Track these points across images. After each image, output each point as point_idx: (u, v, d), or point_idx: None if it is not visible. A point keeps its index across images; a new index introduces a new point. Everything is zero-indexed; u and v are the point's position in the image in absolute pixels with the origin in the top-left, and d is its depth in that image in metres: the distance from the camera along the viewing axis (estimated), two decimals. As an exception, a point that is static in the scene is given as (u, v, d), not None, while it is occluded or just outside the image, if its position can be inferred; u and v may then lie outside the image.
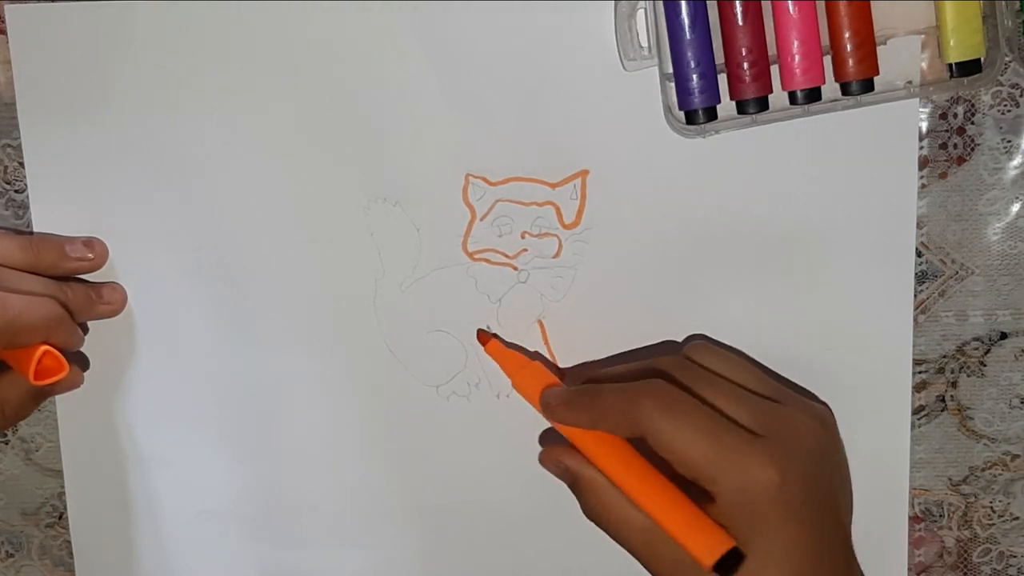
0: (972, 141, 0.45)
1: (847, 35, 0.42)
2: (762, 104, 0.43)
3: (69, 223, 0.47)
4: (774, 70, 0.43)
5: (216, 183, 0.46)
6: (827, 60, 0.42)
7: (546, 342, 0.47)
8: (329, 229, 0.46)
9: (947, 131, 0.45)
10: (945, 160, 0.45)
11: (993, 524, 0.48)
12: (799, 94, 0.43)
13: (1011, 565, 0.48)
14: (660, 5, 0.42)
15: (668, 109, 0.43)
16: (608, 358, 0.46)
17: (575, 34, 0.44)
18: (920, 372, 0.47)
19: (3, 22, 0.45)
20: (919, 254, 0.46)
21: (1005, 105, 0.44)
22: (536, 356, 0.47)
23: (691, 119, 0.43)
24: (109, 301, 0.46)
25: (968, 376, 0.47)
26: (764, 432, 0.39)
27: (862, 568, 0.41)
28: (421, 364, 0.47)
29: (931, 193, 0.45)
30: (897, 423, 0.47)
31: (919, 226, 0.45)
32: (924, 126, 0.45)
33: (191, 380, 0.48)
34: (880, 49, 0.42)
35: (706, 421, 0.39)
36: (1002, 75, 0.44)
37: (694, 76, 0.42)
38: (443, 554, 0.49)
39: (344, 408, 0.48)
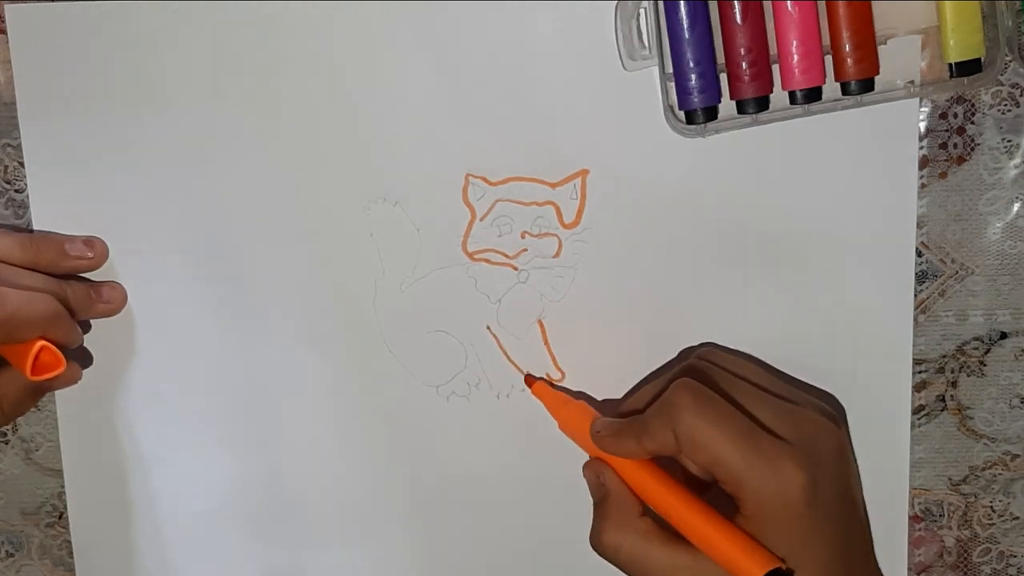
0: (972, 141, 0.45)
1: (847, 35, 0.42)
2: (762, 104, 0.43)
3: (69, 223, 0.47)
4: (774, 70, 0.43)
5: (216, 183, 0.46)
6: (827, 60, 0.42)
7: (546, 342, 0.47)
8: (329, 229, 0.46)
9: (947, 131, 0.45)
10: (945, 160, 0.45)
11: (993, 524, 0.48)
12: (799, 94, 0.43)
13: (1011, 565, 0.48)
14: (660, 5, 0.42)
15: (668, 109, 0.43)
16: (635, 387, 0.47)
17: (575, 34, 0.44)
18: (920, 372, 0.47)
19: (3, 22, 0.45)
20: (919, 254, 0.46)
21: (1005, 105, 0.44)
22: (581, 396, 0.47)
23: (691, 119, 0.43)
24: (109, 300, 0.46)
25: (968, 376, 0.47)
26: (788, 435, 0.39)
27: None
28: (421, 364, 0.47)
29: (931, 193, 0.45)
30: (897, 423, 0.47)
31: (919, 226, 0.45)
32: (924, 126, 0.45)
33: (191, 380, 0.48)
34: (880, 49, 0.42)
35: (736, 421, 0.39)
36: (1002, 75, 0.44)
37: (694, 76, 0.42)
38: (443, 553, 0.49)
39: (344, 408, 0.48)
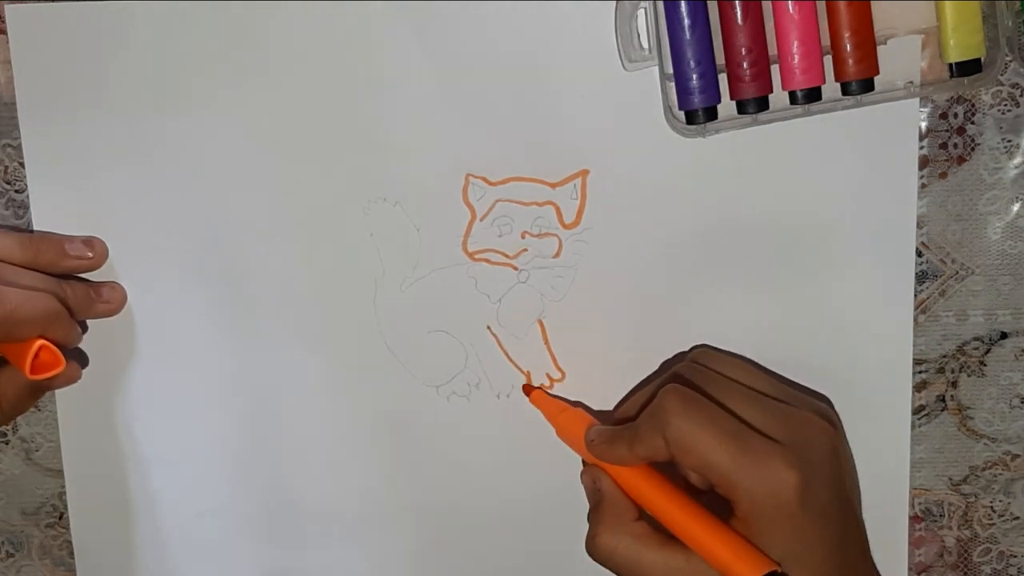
0: (972, 141, 0.45)
1: (847, 35, 0.42)
2: (762, 104, 0.43)
3: (69, 223, 0.47)
4: (774, 70, 0.43)
5: (216, 183, 0.46)
6: (827, 60, 0.42)
7: (546, 342, 0.47)
8: (329, 229, 0.46)
9: (947, 131, 0.45)
10: (945, 160, 0.45)
11: (993, 524, 0.48)
12: (799, 94, 0.43)
13: (1011, 565, 0.48)
14: (660, 5, 0.42)
15: (668, 109, 0.43)
16: (628, 394, 0.47)
17: (575, 34, 0.44)
18: (920, 372, 0.47)
19: (3, 22, 0.45)
20: (919, 254, 0.46)
21: (1005, 105, 0.44)
22: (578, 404, 0.47)
23: (691, 119, 0.43)
24: (108, 300, 0.46)
25: (968, 376, 0.47)
26: (779, 435, 0.39)
27: (865, 566, 0.42)
28: (421, 364, 0.47)
29: (931, 193, 0.45)
30: (897, 423, 0.47)
31: (919, 226, 0.45)
32: (924, 126, 0.45)
33: (191, 380, 0.48)
34: (880, 49, 0.42)
35: (726, 424, 0.39)
36: (1002, 75, 0.44)
37: (694, 76, 0.42)
38: (443, 554, 0.49)
39: (344, 408, 0.48)
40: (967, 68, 0.42)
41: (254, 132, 0.46)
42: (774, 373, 0.46)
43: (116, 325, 0.47)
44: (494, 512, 0.48)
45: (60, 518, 0.50)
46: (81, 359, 0.48)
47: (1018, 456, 0.48)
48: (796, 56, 0.42)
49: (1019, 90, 0.44)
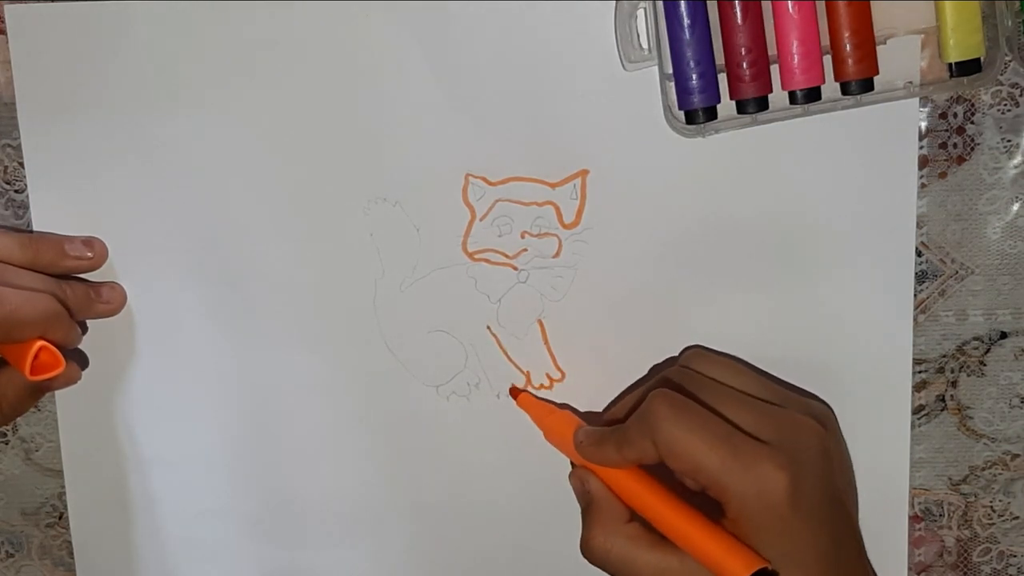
0: (972, 141, 0.45)
1: (847, 35, 0.42)
2: (762, 104, 0.43)
3: (69, 223, 0.47)
4: (774, 70, 0.43)
5: (216, 183, 0.46)
6: (827, 60, 0.42)
7: (546, 342, 0.47)
8: (329, 229, 0.46)
9: (947, 131, 0.45)
10: (945, 160, 0.45)
11: (993, 524, 0.48)
12: (799, 94, 0.43)
13: (1011, 565, 0.48)
14: (660, 5, 0.42)
15: (668, 109, 0.43)
16: (618, 396, 0.47)
17: (575, 34, 0.44)
18: (920, 372, 0.47)
19: (3, 22, 0.45)
20: (919, 254, 0.46)
21: (1005, 105, 0.44)
22: (565, 406, 0.47)
23: (691, 119, 0.43)
24: (108, 300, 0.46)
25: (968, 376, 0.47)
26: (769, 437, 0.39)
27: (864, 567, 0.42)
28: (421, 364, 0.47)
29: (931, 193, 0.45)
30: (897, 423, 0.47)
31: (919, 226, 0.45)
32: (924, 126, 0.45)
33: (191, 380, 0.48)
34: (880, 49, 0.42)
35: (715, 427, 0.39)
36: (1002, 75, 0.44)
37: (694, 76, 0.42)
38: (442, 553, 0.49)
39: (344, 408, 0.48)
40: (967, 68, 0.42)
41: (254, 132, 0.46)
42: (766, 373, 0.46)
43: (116, 325, 0.47)
44: (494, 512, 0.48)
45: (60, 518, 0.50)
46: (81, 359, 0.48)
47: (1018, 456, 0.48)
48: (796, 56, 0.42)
49: (1019, 90, 0.44)
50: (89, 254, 0.46)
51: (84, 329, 0.47)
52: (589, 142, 0.45)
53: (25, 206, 0.47)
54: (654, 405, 0.39)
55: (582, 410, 0.47)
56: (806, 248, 0.45)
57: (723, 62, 0.43)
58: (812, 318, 0.46)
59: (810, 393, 0.46)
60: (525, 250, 0.46)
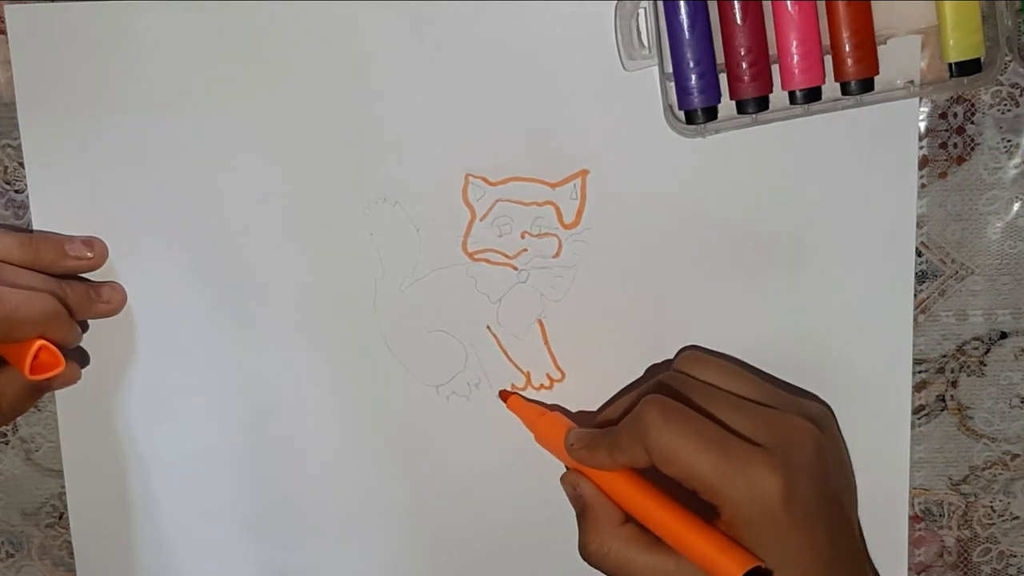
0: (972, 141, 0.45)
1: (847, 35, 0.42)
2: (762, 104, 0.43)
3: (69, 223, 0.47)
4: (774, 70, 0.43)
5: (216, 183, 0.46)
6: (827, 60, 0.42)
7: (546, 342, 0.47)
8: (329, 229, 0.46)
9: (947, 131, 0.45)
10: (945, 160, 0.45)
11: (993, 524, 0.48)
12: (799, 94, 0.43)
13: (1011, 565, 0.48)
14: (660, 5, 0.42)
15: (668, 109, 0.43)
16: (612, 398, 0.47)
17: (575, 34, 0.44)
18: (920, 372, 0.47)
19: (3, 22, 0.45)
20: (919, 254, 0.46)
21: (1005, 105, 0.44)
22: (555, 408, 0.47)
23: (691, 119, 0.43)
24: (108, 300, 0.46)
25: (968, 376, 0.47)
26: (764, 440, 0.39)
27: (864, 567, 0.42)
28: (421, 364, 0.47)
29: (931, 193, 0.45)
30: (897, 423, 0.47)
31: (919, 226, 0.45)
32: (924, 126, 0.45)
33: (191, 380, 0.48)
34: (880, 49, 0.42)
35: (707, 431, 0.39)
36: (1002, 75, 0.44)
37: (694, 76, 0.42)
38: (442, 553, 0.49)
39: (344, 408, 0.48)
40: (967, 68, 0.42)
41: (254, 132, 0.46)
42: (764, 374, 0.46)
43: (116, 325, 0.47)
44: (494, 511, 0.48)
45: (60, 518, 0.50)
46: (81, 359, 0.48)
47: (1018, 456, 0.48)
48: (796, 56, 0.42)
49: (1019, 90, 0.44)
50: (89, 254, 0.46)
51: (84, 328, 0.47)
52: (589, 142, 0.45)
53: (25, 206, 0.47)
54: (645, 411, 0.39)
55: (582, 410, 0.47)
56: (806, 248, 0.46)
57: (723, 62, 0.43)
58: (812, 318, 0.46)
59: (809, 393, 0.46)
60: (525, 250, 0.46)
